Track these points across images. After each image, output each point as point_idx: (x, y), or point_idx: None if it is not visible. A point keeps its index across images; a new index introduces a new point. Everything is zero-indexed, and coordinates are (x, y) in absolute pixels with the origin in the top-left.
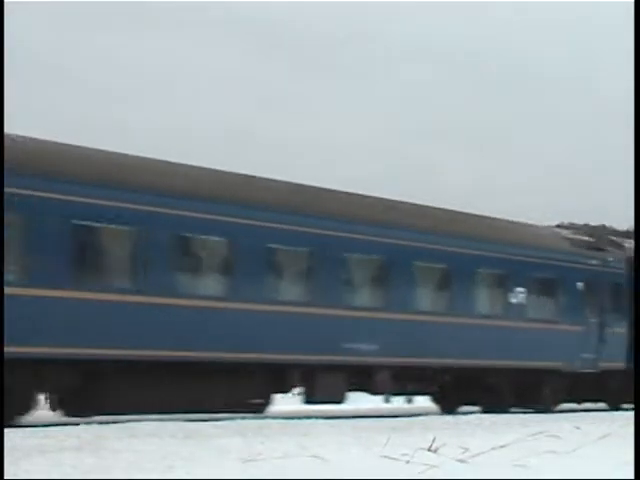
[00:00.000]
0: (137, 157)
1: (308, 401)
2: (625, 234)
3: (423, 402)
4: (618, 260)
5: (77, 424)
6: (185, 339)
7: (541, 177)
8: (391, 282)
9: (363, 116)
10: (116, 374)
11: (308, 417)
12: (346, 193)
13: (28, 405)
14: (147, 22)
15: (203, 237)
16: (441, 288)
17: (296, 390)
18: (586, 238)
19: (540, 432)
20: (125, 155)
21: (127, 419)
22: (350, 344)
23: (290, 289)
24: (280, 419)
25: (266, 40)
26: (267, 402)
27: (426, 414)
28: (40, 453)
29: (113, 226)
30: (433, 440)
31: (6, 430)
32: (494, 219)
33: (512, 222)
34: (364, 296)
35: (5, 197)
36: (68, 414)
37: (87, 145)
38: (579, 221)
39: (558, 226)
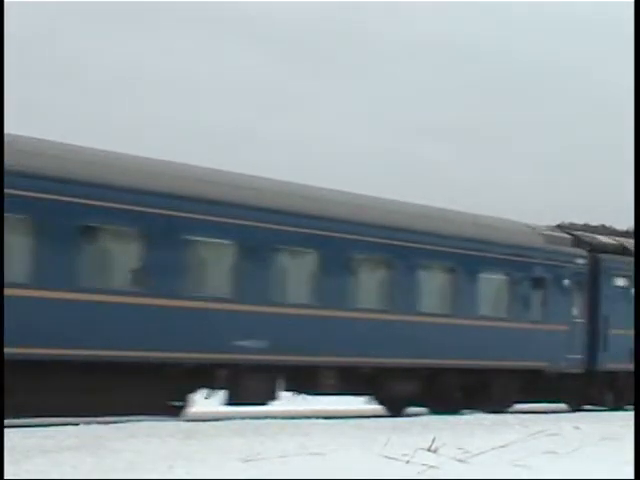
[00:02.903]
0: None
1: None
2: (625, 234)
3: None
4: None
5: (77, 424)
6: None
7: (541, 177)
8: None
9: (362, 115)
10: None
11: (308, 417)
12: None
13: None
14: (147, 22)
15: None
16: None
17: None
18: None
19: (540, 432)
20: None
21: (127, 419)
22: None
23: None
24: (280, 419)
25: (266, 40)
26: None
27: (426, 414)
28: (40, 453)
29: None
30: (433, 440)
31: (6, 430)
32: None
33: None
34: None
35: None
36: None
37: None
38: (579, 221)
39: (558, 226)
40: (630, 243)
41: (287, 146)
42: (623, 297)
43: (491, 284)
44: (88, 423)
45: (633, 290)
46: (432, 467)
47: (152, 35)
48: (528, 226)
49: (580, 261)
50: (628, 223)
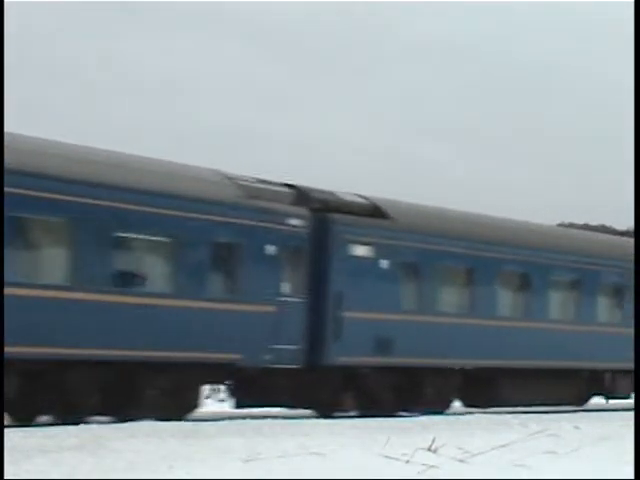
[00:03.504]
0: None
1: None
2: (625, 234)
3: None
4: None
5: (77, 424)
6: None
7: (541, 176)
8: None
9: (362, 115)
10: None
11: (308, 417)
12: None
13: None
14: (147, 22)
15: None
16: None
17: None
18: None
19: (540, 432)
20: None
21: (127, 419)
22: None
23: None
24: (280, 419)
25: (266, 40)
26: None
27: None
28: (40, 453)
29: None
30: (433, 440)
31: (6, 430)
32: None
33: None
34: None
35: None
36: None
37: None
38: (579, 221)
39: (559, 226)
40: (386, 202)
41: (287, 146)
42: (367, 271)
43: (135, 247)
44: (88, 423)
45: (385, 262)
46: (432, 467)
47: (152, 35)
48: (224, 176)
49: (295, 222)
50: (628, 223)
